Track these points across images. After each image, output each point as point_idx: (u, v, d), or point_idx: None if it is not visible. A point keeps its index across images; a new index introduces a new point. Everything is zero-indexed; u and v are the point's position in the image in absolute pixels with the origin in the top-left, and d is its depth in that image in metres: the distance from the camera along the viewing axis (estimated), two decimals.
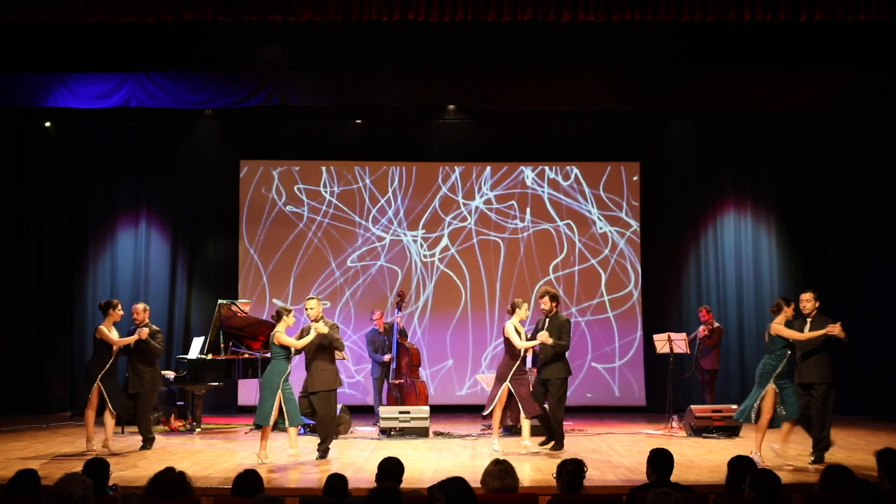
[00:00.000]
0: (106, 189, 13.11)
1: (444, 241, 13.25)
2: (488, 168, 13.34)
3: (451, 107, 12.41)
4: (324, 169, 13.34)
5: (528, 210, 13.26)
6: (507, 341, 9.01)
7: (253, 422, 8.68)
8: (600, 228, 13.22)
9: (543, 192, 13.28)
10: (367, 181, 13.32)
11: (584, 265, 13.20)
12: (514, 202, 13.27)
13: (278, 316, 8.58)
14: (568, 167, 13.32)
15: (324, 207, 13.26)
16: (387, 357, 11.18)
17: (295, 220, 13.25)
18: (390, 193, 13.31)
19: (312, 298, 8.86)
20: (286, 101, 10.96)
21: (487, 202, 13.28)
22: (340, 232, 13.24)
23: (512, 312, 9.13)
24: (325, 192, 13.30)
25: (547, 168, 13.32)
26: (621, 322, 13.11)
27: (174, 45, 10.45)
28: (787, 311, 8.19)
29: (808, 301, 8.23)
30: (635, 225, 13.21)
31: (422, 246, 13.24)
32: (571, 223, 13.24)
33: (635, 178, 13.27)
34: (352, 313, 13.12)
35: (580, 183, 13.30)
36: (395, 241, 13.24)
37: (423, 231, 13.26)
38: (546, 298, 9.21)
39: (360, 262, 13.23)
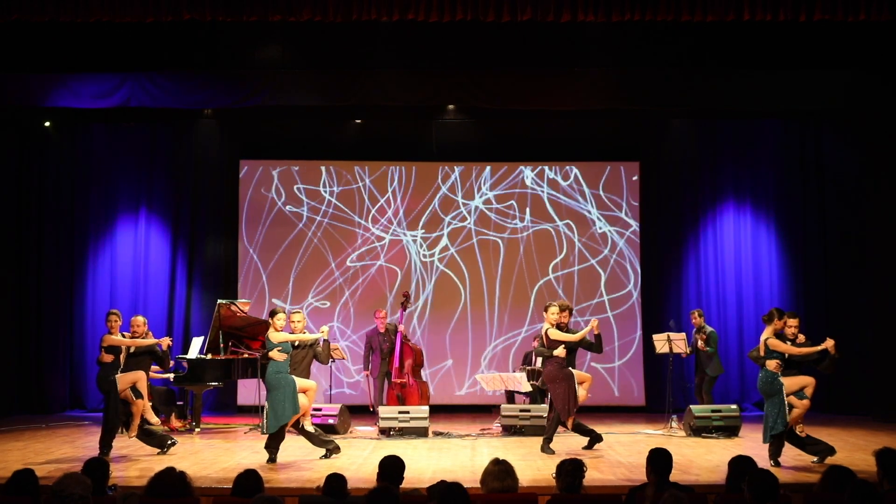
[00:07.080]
0: (106, 189, 13.10)
1: (444, 241, 13.24)
2: (488, 168, 13.33)
3: (451, 107, 12.40)
4: (323, 169, 13.34)
5: (527, 210, 13.25)
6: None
7: None
8: (600, 228, 13.22)
9: (543, 192, 13.28)
10: (367, 181, 13.32)
11: (583, 265, 13.19)
12: (513, 202, 13.26)
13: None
14: (568, 167, 13.32)
15: (323, 207, 13.26)
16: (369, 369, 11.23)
17: (294, 219, 13.25)
18: (390, 193, 13.30)
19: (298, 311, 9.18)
20: (286, 101, 10.97)
21: (487, 202, 13.27)
22: (340, 232, 13.24)
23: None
24: (325, 192, 13.29)
25: (546, 168, 13.32)
26: (621, 322, 13.10)
27: (174, 45, 10.42)
28: (777, 324, 8.08)
29: (793, 327, 8.11)
30: (635, 225, 13.20)
31: (421, 246, 13.24)
32: (571, 223, 13.24)
33: (635, 178, 13.27)
34: (351, 313, 13.12)
35: (580, 183, 13.30)
36: (395, 240, 13.24)
37: (423, 231, 13.26)
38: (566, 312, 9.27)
39: (360, 261, 13.23)
